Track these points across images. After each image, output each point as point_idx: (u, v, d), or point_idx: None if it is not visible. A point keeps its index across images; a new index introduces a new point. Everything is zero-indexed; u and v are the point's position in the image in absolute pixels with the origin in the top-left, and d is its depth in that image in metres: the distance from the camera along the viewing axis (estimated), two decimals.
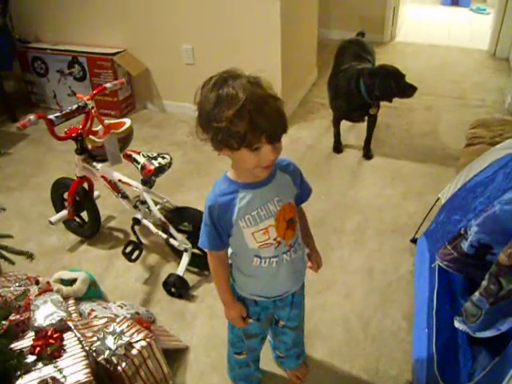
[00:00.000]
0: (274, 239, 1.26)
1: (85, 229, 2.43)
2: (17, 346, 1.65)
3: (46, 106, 3.79)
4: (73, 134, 2.10)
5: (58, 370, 1.55)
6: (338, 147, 3.06)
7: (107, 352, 1.54)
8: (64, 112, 2.02)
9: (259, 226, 1.23)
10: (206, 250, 1.33)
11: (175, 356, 1.85)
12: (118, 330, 1.61)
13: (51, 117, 1.97)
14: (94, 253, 2.37)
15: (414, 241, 2.30)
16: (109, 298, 2.09)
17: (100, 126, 2.20)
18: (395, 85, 2.59)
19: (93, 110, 2.11)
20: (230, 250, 1.37)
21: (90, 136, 2.17)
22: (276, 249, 1.28)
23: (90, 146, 2.19)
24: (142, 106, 3.75)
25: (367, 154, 2.97)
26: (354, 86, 2.69)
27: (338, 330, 1.93)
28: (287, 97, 3.30)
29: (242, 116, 1.02)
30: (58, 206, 2.43)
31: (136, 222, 2.22)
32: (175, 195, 2.69)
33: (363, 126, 2.96)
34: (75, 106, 2.07)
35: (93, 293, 2.02)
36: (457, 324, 1.59)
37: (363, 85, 2.64)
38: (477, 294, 1.49)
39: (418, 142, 3.13)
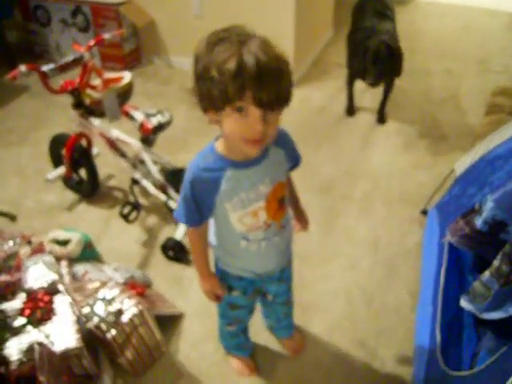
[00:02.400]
0: (264, 222, 1.15)
1: (83, 187, 2.36)
2: (7, 307, 1.62)
3: (49, 57, 3.65)
4: (68, 88, 1.99)
5: (46, 336, 1.52)
6: (351, 109, 2.91)
7: (96, 319, 1.49)
8: (59, 64, 1.91)
9: (247, 209, 1.11)
10: None
11: (169, 323, 1.80)
12: (109, 296, 1.56)
13: (44, 69, 1.86)
14: (91, 212, 2.31)
15: (424, 212, 2.19)
16: (105, 260, 2.04)
17: (98, 80, 2.08)
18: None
19: (90, 63, 1.99)
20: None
21: (87, 90, 2.06)
22: (265, 231, 1.17)
23: (87, 101, 2.08)
24: (148, 60, 3.60)
25: (381, 119, 2.82)
26: (361, 51, 2.52)
27: (339, 304, 1.86)
28: (300, 55, 3.13)
29: (229, 62, 0.87)
30: (56, 162, 2.35)
31: (134, 182, 2.14)
32: (178, 154, 2.59)
33: (380, 87, 2.78)
34: (71, 58, 1.95)
35: (88, 254, 1.96)
36: (463, 303, 1.51)
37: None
38: (487, 273, 1.40)
39: (435, 109, 2.96)
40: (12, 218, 1.49)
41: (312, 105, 3.03)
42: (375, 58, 2.41)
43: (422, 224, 2.13)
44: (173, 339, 1.77)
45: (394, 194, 2.33)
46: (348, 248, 2.09)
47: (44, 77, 1.85)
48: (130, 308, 1.54)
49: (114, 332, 1.50)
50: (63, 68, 1.92)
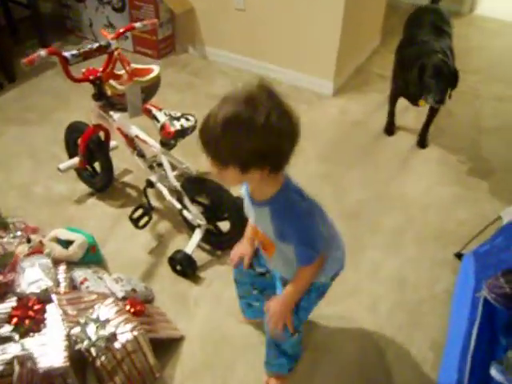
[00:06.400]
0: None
1: (96, 181, 2.22)
2: None
3: (81, 34, 3.53)
4: (90, 77, 1.84)
5: (31, 350, 1.38)
6: (390, 128, 2.69)
7: (86, 342, 1.35)
8: (82, 50, 1.75)
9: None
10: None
11: (168, 345, 1.66)
12: (103, 316, 1.41)
13: (66, 54, 1.70)
14: (101, 209, 2.17)
15: (458, 256, 1.99)
16: (108, 266, 1.90)
17: (123, 71, 1.92)
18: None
19: (116, 52, 1.83)
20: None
21: (111, 81, 1.90)
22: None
23: (109, 92, 1.93)
24: (183, 49, 3.43)
25: (422, 142, 2.59)
26: (416, 66, 2.29)
27: (352, 347, 1.68)
28: (342, 61, 2.92)
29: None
30: (71, 151, 2.22)
31: (149, 184, 1.99)
32: (199, 157, 2.39)
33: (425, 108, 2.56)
34: (96, 45, 1.79)
35: (90, 257, 1.83)
36: (493, 372, 1.33)
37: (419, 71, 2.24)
38: None
39: (483, 138, 2.72)
40: None
41: (349, 118, 2.82)
42: (436, 76, 2.17)
43: (454, 269, 1.92)
44: (169, 364, 1.62)
45: (428, 230, 2.13)
46: (371, 285, 1.90)
47: (65, 63, 1.70)
48: (124, 333, 1.40)
49: (103, 358, 1.36)
50: (87, 55, 1.77)
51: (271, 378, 1.56)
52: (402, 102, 2.61)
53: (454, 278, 1.88)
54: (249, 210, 1.25)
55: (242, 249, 1.46)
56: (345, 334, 1.73)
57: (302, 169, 2.42)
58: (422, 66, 2.22)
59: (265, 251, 1.32)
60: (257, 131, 0.96)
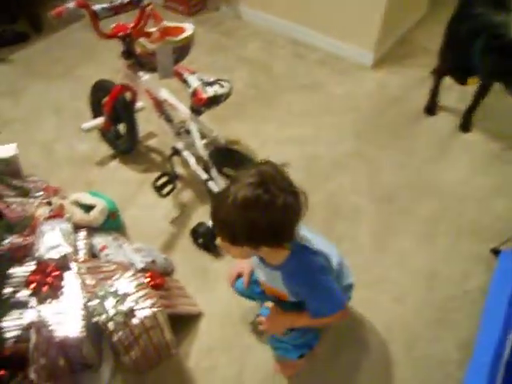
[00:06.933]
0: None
1: (120, 142, 2.14)
2: (15, 272, 1.46)
3: None
4: (120, 33, 1.72)
5: (48, 317, 1.35)
6: (432, 108, 2.52)
7: (104, 316, 1.30)
8: (113, 4, 1.64)
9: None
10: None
11: (185, 321, 1.62)
12: (122, 290, 1.36)
13: (96, 7, 1.59)
14: (124, 172, 2.10)
15: (495, 252, 1.87)
16: (127, 233, 1.85)
17: (155, 28, 1.80)
18: None
19: (149, 7, 1.71)
20: None
21: (141, 39, 1.79)
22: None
23: (138, 51, 1.82)
24: (214, 6, 3.25)
25: (465, 125, 2.43)
26: (470, 43, 2.09)
27: (377, 340, 1.61)
28: (386, 29, 2.71)
29: None
30: (96, 110, 2.13)
31: (175, 151, 1.90)
32: (230, 122, 2.33)
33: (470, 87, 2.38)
34: None
35: (111, 224, 1.77)
36: None
37: (480, 51, 2.02)
38: None
39: None
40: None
41: (387, 92, 2.66)
42: (502, 54, 1.96)
43: (490, 265, 1.82)
44: (185, 341, 1.59)
45: (464, 222, 2.01)
46: (399, 275, 1.81)
47: (94, 17, 1.59)
48: (143, 309, 1.35)
49: (120, 333, 1.31)
50: (117, 9, 1.65)
51: (279, 362, 1.51)
52: (446, 80, 2.43)
53: (488, 275, 1.77)
54: (257, 268, 1.28)
55: (239, 266, 1.48)
56: (370, 324, 1.65)
57: (334, 145, 2.30)
58: (492, 44, 2.00)
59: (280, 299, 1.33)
60: (276, 213, 0.99)
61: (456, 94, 2.59)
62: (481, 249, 1.89)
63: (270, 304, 1.35)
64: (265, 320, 1.34)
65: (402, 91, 2.67)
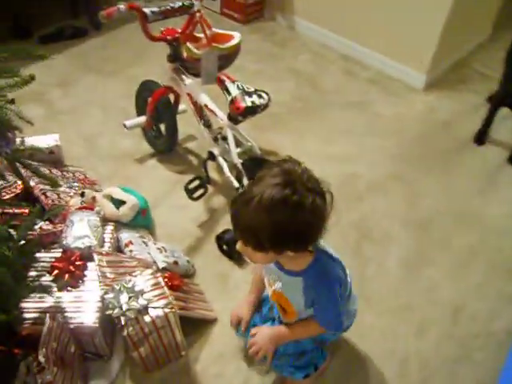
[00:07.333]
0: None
1: (160, 143, 2.19)
2: (42, 257, 1.51)
3: None
4: (168, 37, 1.77)
5: (65, 304, 1.39)
6: (482, 137, 2.42)
7: (117, 310, 1.33)
8: (163, 8, 1.68)
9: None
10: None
11: (199, 325, 1.62)
12: (138, 287, 1.38)
13: (146, 10, 1.64)
14: (160, 171, 2.14)
15: None
16: (155, 232, 1.88)
17: (203, 34, 1.84)
18: None
19: (198, 14, 1.74)
20: None
21: (188, 43, 1.83)
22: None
23: (185, 55, 1.86)
24: (271, 16, 3.28)
25: None
26: None
27: (392, 371, 1.55)
28: (441, 52, 2.63)
29: None
30: (140, 109, 2.19)
31: (211, 156, 1.92)
32: (267, 132, 2.32)
33: None
34: (178, 4, 1.71)
35: (140, 221, 1.81)
36: None
37: None
38: None
39: None
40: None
41: (436, 116, 2.57)
42: None
43: None
44: (196, 345, 1.58)
45: (501, 259, 1.90)
46: (424, 305, 1.74)
47: (144, 19, 1.64)
48: (156, 308, 1.36)
49: (130, 329, 1.33)
50: (167, 13, 1.69)
51: (286, 380, 1.46)
52: (503, 111, 2.33)
53: None
54: (271, 274, 1.18)
55: (239, 312, 1.43)
56: (385, 351, 1.60)
57: (375, 166, 2.25)
58: None
59: (283, 315, 1.26)
60: (304, 215, 0.92)
61: (508, 127, 2.48)
62: None
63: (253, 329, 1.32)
64: (252, 340, 1.28)
65: (452, 116, 2.58)
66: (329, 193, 0.98)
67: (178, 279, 1.58)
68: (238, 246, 1.05)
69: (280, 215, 0.91)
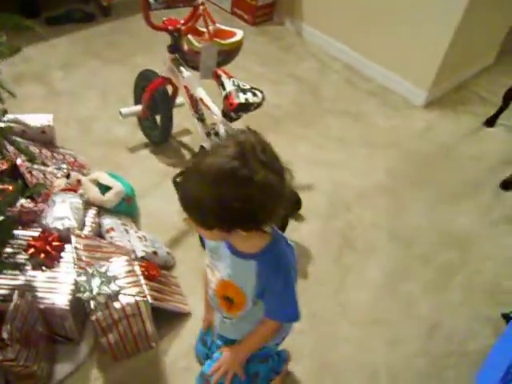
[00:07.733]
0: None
1: (154, 133, 2.18)
2: (19, 235, 1.50)
3: None
4: (170, 27, 1.77)
5: (38, 284, 1.38)
6: (492, 121, 2.55)
7: (87, 293, 1.32)
8: None
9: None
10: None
11: (172, 317, 1.61)
12: (112, 272, 1.37)
13: None
14: (151, 162, 2.14)
15: (506, 317, 1.76)
16: (139, 221, 1.87)
17: (205, 28, 1.84)
18: None
19: (201, 7, 1.74)
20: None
21: (190, 36, 1.83)
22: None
23: (185, 47, 1.86)
24: (280, 20, 3.28)
25: (507, 184, 2.31)
26: None
27: (358, 382, 1.54)
28: (444, 73, 2.64)
29: None
30: (138, 98, 2.19)
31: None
32: (265, 134, 2.31)
33: None
34: None
35: (124, 208, 1.80)
36: None
37: None
38: None
39: None
40: None
41: (433, 136, 2.57)
42: None
43: (496, 330, 1.72)
44: (167, 337, 1.58)
45: (481, 280, 1.90)
46: (400, 319, 1.73)
47: (146, 7, 1.65)
48: (127, 295, 1.35)
49: (99, 314, 1.32)
50: (170, 3, 1.70)
51: None
52: None
53: (492, 341, 1.66)
54: (218, 259, 1.07)
55: (209, 317, 1.34)
56: (356, 362, 1.59)
57: (364, 176, 2.25)
58: None
59: (227, 309, 1.12)
60: (252, 191, 0.83)
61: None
62: (491, 311, 1.80)
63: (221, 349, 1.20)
64: (217, 365, 1.16)
65: (448, 136, 2.58)
66: (288, 171, 0.89)
67: (155, 269, 1.57)
68: (189, 223, 0.96)
69: (225, 189, 0.84)
